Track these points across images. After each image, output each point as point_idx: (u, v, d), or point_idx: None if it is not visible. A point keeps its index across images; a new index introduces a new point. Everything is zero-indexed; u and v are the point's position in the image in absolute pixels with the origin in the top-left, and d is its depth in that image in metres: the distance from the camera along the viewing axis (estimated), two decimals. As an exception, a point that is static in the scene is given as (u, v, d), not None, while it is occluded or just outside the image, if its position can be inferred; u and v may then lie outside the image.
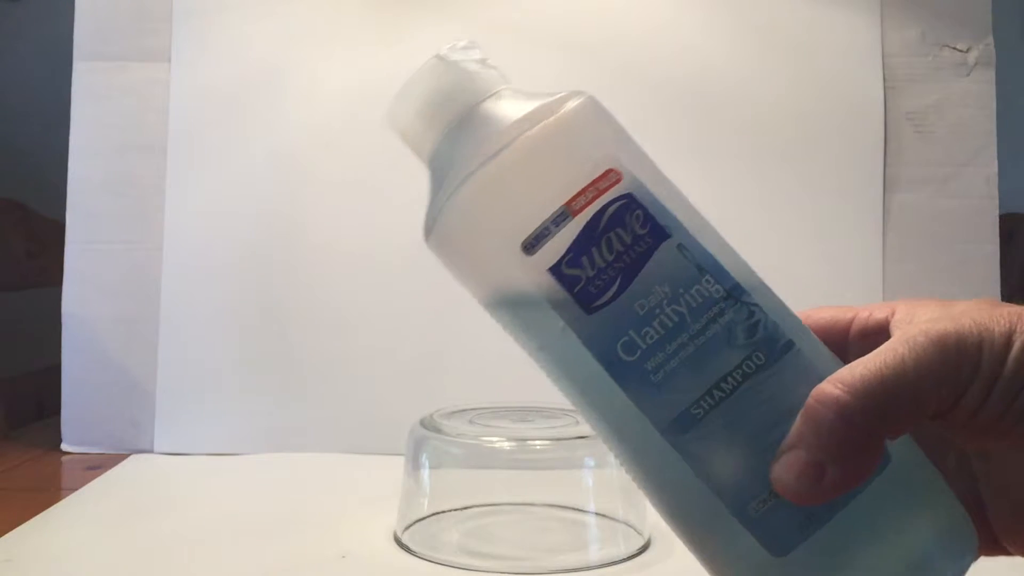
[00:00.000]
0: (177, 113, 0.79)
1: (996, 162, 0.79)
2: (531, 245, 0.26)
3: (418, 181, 0.90)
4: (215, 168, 0.79)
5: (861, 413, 0.24)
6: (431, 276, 0.86)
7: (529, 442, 0.53)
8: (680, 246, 0.27)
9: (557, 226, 0.26)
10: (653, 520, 0.55)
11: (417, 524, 0.54)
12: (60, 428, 0.77)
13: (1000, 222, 0.79)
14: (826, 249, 0.79)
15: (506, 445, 0.52)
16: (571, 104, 0.27)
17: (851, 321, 0.30)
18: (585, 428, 0.54)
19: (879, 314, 0.30)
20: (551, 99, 0.28)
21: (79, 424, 0.77)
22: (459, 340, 0.78)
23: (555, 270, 0.26)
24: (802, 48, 0.80)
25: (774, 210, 0.78)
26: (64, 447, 0.77)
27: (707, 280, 0.27)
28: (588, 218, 0.26)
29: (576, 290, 0.26)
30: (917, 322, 0.27)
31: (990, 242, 0.79)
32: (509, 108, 0.28)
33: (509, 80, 0.30)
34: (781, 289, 0.65)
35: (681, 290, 0.26)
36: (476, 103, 0.29)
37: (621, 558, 0.51)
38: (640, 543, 0.53)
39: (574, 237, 0.26)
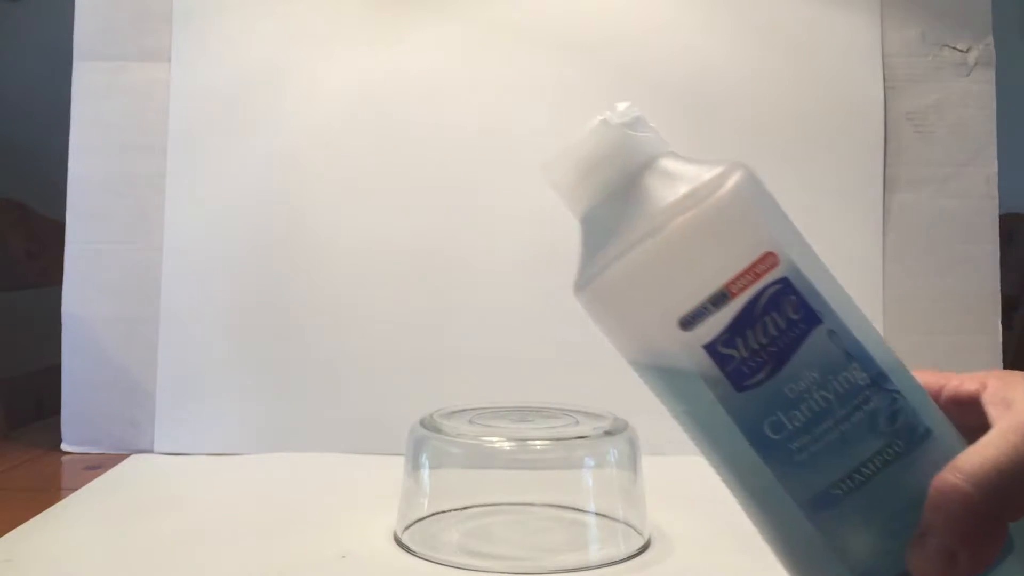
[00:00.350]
0: (177, 113, 0.79)
1: (996, 162, 0.79)
2: (688, 321, 0.27)
3: (418, 181, 0.91)
4: (215, 168, 0.79)
5: (983, 503, 0.26)
6: (431, 276, 0.87)
7: (529, 442, 0.53)
8: (831, 332, 0.28)
9: (715, 306, 0.27)
10: (653, 520, 0.55)
11: (417, 524, 0.54)
12: (60, 428, 0.77)
13: (1000, 222, 0.79)
14: (826, 249, 0.78)
15: (506, 445, 0.52)
16: (732, 181, 0.28)
17: (942, 388, 0.32)
18: (585, 428, 0.54)
19: (970, 386, 0.31)
20: (712, 174, 0.28)
21: (79, 424, 0.77)
22: (459, 340, 0.78)
23: (710, 348, 0.27)
24: (802, 48, 0.80)
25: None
26: (64, 447, 0.77)
27: (854, 367, 0.28)
28: (746, 301, 0.27)
29: (728, 369, 0.27)
30: (1019, 407, 0.28)
31: (990, 242, 0.79)
32: (671, 181, 0.29)
33: (667, 143, 0.31)
34: None
35: (830, 376, 0.27)
36: (638, 172, 0.29)
37: (621, 558, 0.51)
38: (640, 543, 0.53)
39: (731, 319, 0.27)
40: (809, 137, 0.79)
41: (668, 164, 0.30)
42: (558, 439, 0.53)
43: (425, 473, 0.55)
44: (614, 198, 0.30)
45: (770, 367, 0.27)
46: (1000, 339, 0.79)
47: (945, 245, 0.79)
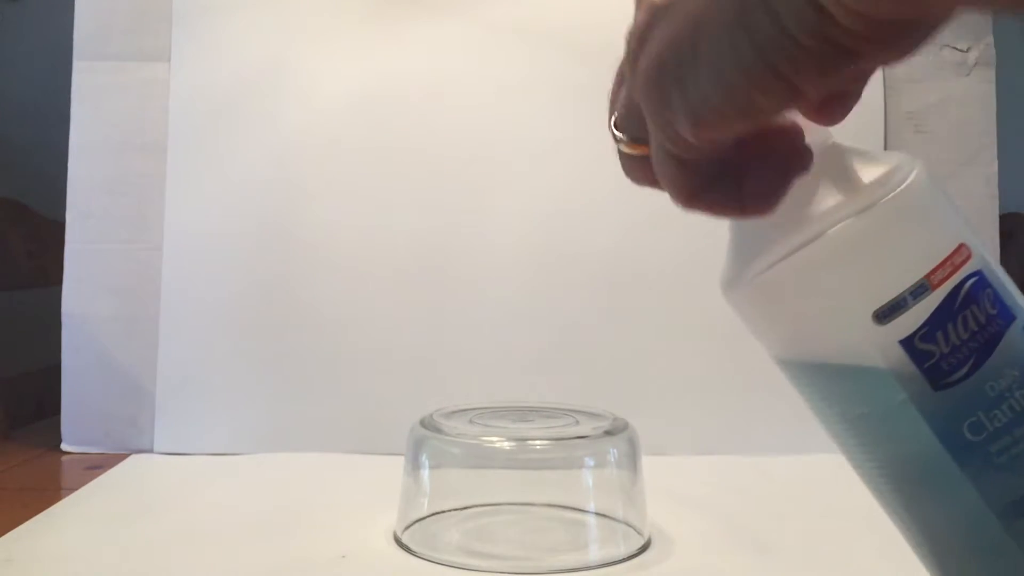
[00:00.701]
0: (177, 113, 0.79)
1: (996, 162, 0.79)
2: (884, 315, 0.25)
3: (418, 181, 0.91)
4: (215, 168, 0.79)
5: None
6: (431, 276, 0.86)
7: (529, 442, 0.53)
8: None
9: (915, 298, 0.25)
10: (653, 520, 0.55)
11: (417, 524, 0.54)
12: (60, 428, 0.77)
13: (1000, 222, 0.79)
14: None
15: (506, 445, 0.52)
16: (920, 169, 0.27)
17: None
18: (585, 428, 0.54)
19: None
20: (897, 160, 0.27)
21: (79, 424, 0.77)
22: (459, 340, 0.78)
23: (907, 343, 0.25)
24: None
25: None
26: (64, 447, 0.77)
27: None
28: (946, 293, 0.25)
29: (926, 365, 0.25)
30: None
31: (990, 241, 0.79)
32: (851, 168, 0.27)
33: (829, 131, 0.29)
34: None
35: None
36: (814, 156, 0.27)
37: (621, 558, 0.51)
38: (640, 543, 0.53)
39: (931, 311, 0.25)
40: (809, 137, 0.79)
41: (841, 151, 0.28)
42: (558, 439, 0.53)
43: (425, 473, 0.55)
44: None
45: (971, 363, 0.25)
46: (1000, 339, 0.79)
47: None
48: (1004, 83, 0.79)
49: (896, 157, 0.27)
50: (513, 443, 0.52)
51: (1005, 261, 0.83)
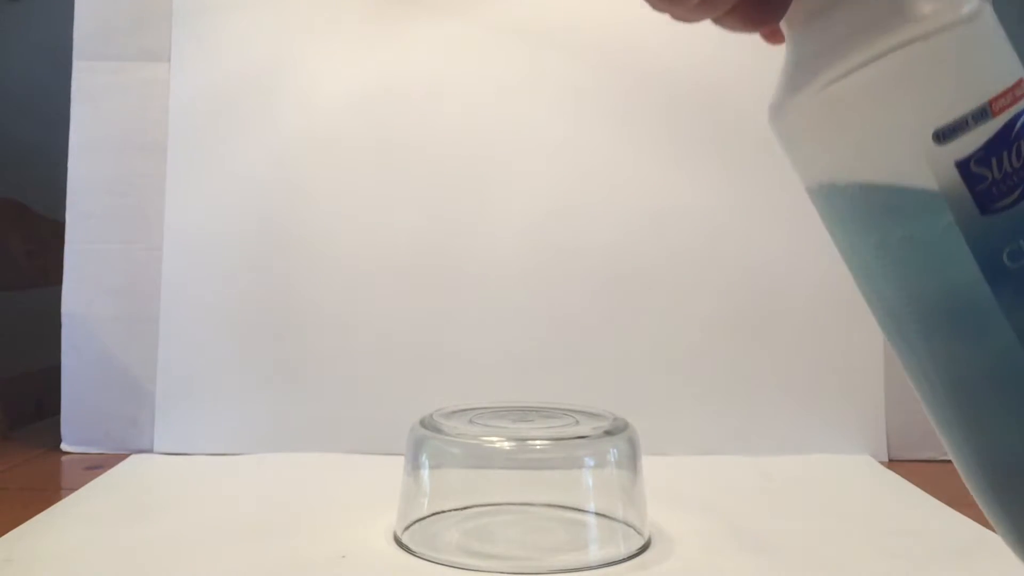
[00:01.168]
0: (177, 113, 0.79)
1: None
2: (944, 135, 0.25)
3: (418, 181, 0.91)
4: (215, 168, 0.79)
5: None
6: (431, 276, 0.86)
7: (529, 442, 0.53)
8: None
9: (976, 121, 0.25)
10: (653, 520, 0.55)
11: (417, 524, 0.54)
12: (60, 428, 0.77)
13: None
14: (826, 248, 0.79)
15: (506, 445, 0.52)
16: (987, 4, 0.27)
17: None
18: (585, 428, 0.54)
19: None
20: None
21: (79, 424, 0.77)
22: (459, 340, 0.78)
23: (963, 165, 0.25)
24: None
25: (775, 209, 0.78)
26: (64, 447, 0.77)
27: None
28: (1005, 121, 0.26)
29: (978, 188, 0.25)
30: None
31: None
32: None
33: None
34: (782, 287, 0.67)
35: None
36: None
37: (621, 558, 0.51)
38: (640, 543, 0.53)
39: (990, 136, 0.25)
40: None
41: None
42: (558, 439, 0.53)
43: (425, 473, 0.55)
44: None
45: (1020, 192, 0.25)
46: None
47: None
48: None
49: None
50: (513, 443, 0.52)
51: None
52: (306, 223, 0.79)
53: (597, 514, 0.54)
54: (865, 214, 0.28)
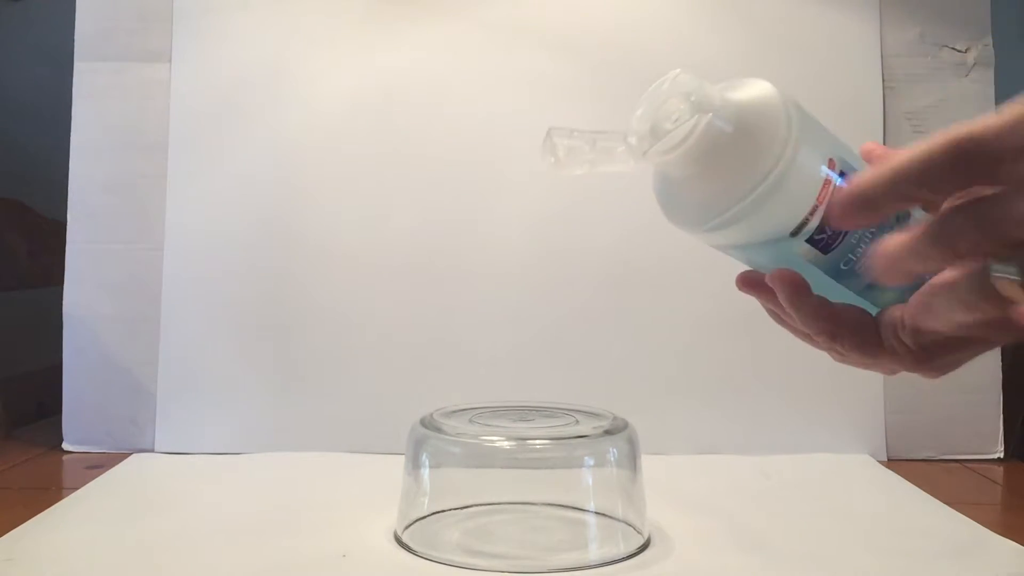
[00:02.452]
0: (178, 113, 0.79)
1: (995, 162, 0.79)
2: (795, 232, 0.37)
3: (418, 180, 0.91)
4: (216, 168, 0.79)
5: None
6: (431, 276, 0.87)
7: (529, 442, 0.53)
8: None
9: (812, 215, 0.36)
10: (653, 520, 0.55)
11: (417, 523, 0.55)
12: (61, 427, 0.77)
13: (999, 222, 0.79)
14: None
15: (506, 444, 0.52)
16: (789, 152, 0.36)
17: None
18: (585, 427, 0.54)
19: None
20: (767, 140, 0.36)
21: (80, 423, 0.77)
22: (459, 340, 0.78)
23: (809, 240, 0.37)
24: (801, 48, 0.80)
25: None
26: (65, 446, 0.77)
27: None
28: (825, 203, 0.36)
29: (820, 245, 0.37)
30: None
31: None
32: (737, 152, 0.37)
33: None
34: None
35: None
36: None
37: (620, 557, 0.51)
38: (639, 542, 0.53)
39: (819, 219, 0.36)
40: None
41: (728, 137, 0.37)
42: (558, 438, 0.53)
43: (425, 472, 0.55)
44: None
45: (843, 234, 0.37)
46: (999, 339, 0.79)
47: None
48: (1003, 83, 0.79)
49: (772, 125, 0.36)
50: (513, 443, 0.53)
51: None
52: (307, 223, 0.79)
53: (597, 513, 0.54)
54: (745, 258, 0.41)
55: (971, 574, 0.52)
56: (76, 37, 0.79)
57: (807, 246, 0.37)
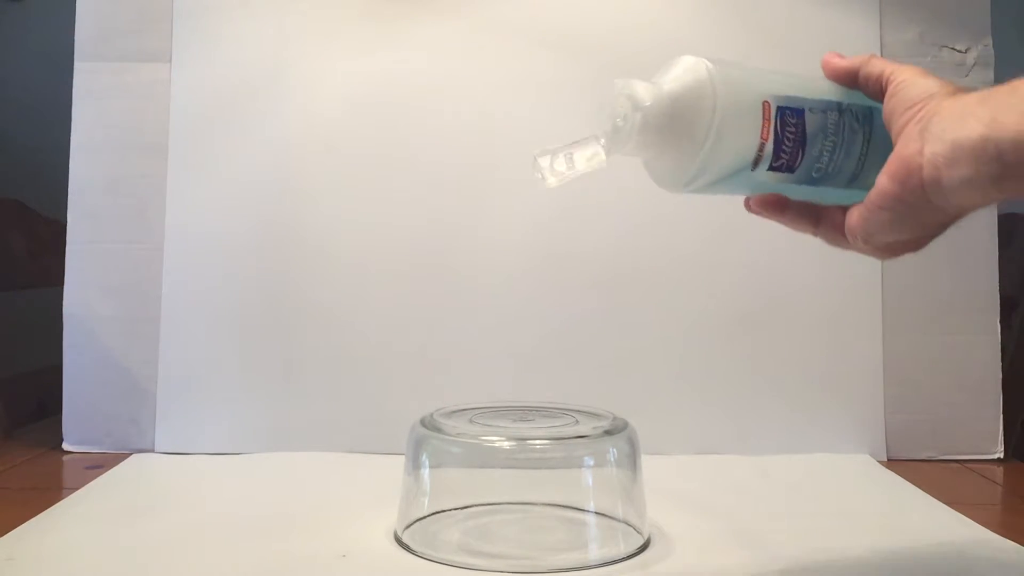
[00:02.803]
0: (178, 113, 0.79)
1: (995, 162, 0.79)
2: (753, 166, 0.43)
3: (418, 181, 0.91)
4: (216, 168, 0.79)
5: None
6: (431, 276, 0.87)
7: (529, 442, 0.53)
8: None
9: (761, 151, 0.43)
10: (653, 520, 0.55)
11: (417, 523, 0.55)
12: (61, 427, 0.77)
13: (999, 222, 0.79)
14: (825, 248, 0.79)
15: (506, 444, 0.52)
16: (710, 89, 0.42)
17: (858, 68, 0.45)
18: (585, 428, 0.54)
19: (875, 69, 0.44)
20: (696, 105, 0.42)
21: (80, 423, 0.77)
22: (459, 340, 0.78)
23: (770, 169, 0.44)
24: (800, 48, 0.80)
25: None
26: (65, 446, 0.77)
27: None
28: (773, 136, 0.43)
29: (783, 169, 0.44)
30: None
31: (989, 242, 0.79)
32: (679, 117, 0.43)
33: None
34: (781, 287, 0.68)
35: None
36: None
37: (620, 557, 0.51)
38: (639, 542, 0.53)
39: (772, 150, 0.43)
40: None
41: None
42: (558, 438, 0.53)
43: (425, 472, 0.55)
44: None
45: (802, 150, 0.44)
46: (999, 338, 0.79)
47: (944, 245, 0.79)
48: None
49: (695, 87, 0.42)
50: (513, 443, 0.53)
51: (1005, 261, 0.83)
52: (306, 223, 0.79)
53: (597, 513, 0.54)
54: (719, 190, 0.45)
55: (971, 574, 0.52)
56: (76, 37, 0.79)
57: (771, 173, 0.43)
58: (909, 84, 0.41)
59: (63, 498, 0.63)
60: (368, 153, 0.80)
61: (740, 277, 0.79)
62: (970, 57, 0.80)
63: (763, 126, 0.42)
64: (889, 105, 0.42)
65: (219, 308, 0.78)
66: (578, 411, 0.58)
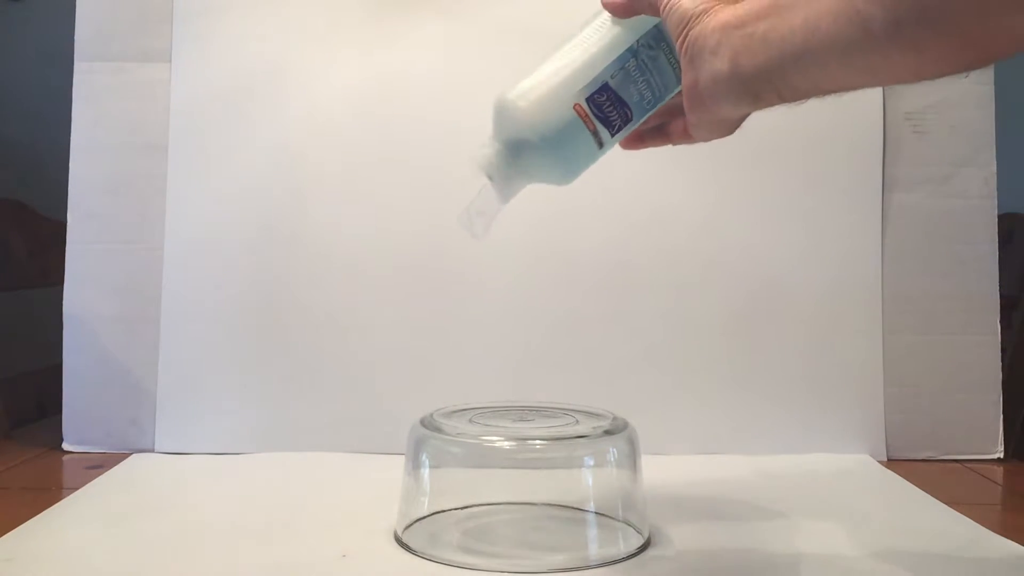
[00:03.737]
0: (178, 113, 0.79)
1: (995, 162, 0.79)
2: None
3: (418, 181, 0.91)
4: (216, 168, 0.79)
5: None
6: (431, 276, 0.86)
7: (529, 442, 0.53)
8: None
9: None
10: (653, 520, 0.55)
11: (417, 523, 0.55)
12: (61, 427, 0.77)
13: (999, 222, 0.79)
14: (825, 248, 0.79)
15: (506, 444, 0.52)
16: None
17: None
18: (585, 427, 0.54)
19: None
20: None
21: (80, 423, 0.77)
22: (459, 340, 0.78)
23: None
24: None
25: (774, 209, 0.79)
26: (65, 446, 0.77)
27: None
28: (588, 123, 0.50)
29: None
30: None
31: (988, 242, 0.79)
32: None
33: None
34: (780, 288, 0.67)
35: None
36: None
37: (620, 557, 0.51)
38: (639, 542, 0.53)
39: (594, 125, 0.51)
40: (809, 137, 0.79)
41: None
42: (558, 438, 0.53)
43: (425, 472, 0.55)
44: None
45: (626, 115, 0.51)
46: (998, 339, 0.79)
47: (944, 245, 0.79)
48: (1002, 84, 0.79)
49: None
50: (513, 443, 0.53)
51: (1005, 261, 0.83)
52: (306, 222, 0.79)
53: (597, 513, 0.54)
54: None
55: (971, 574, 0.52)
56: (76, 37, 0.79)
57: (618, 135, 0.50)
58: (675, 5, 0.45)
59: (63, 498, 0.63)
60: (368, 153, 0.80)
61: (740, 277, 0.79)
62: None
63: (585, 122, 0.49)
64: (665, 27, 0.47)
65: (219, 308, 0.78)
66: (578, 411, 0.58)
